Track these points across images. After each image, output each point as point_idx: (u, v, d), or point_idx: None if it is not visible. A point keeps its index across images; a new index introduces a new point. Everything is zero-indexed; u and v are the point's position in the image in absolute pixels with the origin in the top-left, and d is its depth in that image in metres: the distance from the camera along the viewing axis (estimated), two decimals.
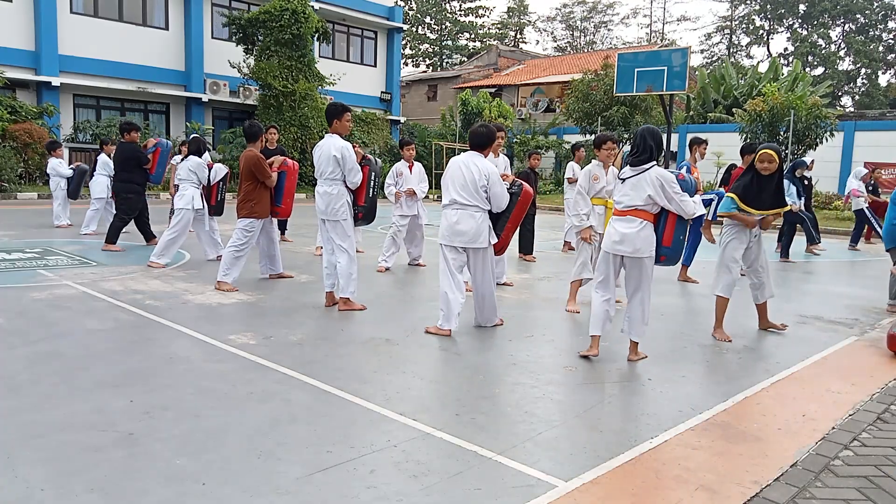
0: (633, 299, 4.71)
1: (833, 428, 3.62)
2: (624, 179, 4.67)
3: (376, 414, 3.56)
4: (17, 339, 4.72)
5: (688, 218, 4.60)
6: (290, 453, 3.05)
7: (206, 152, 8.37)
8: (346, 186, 5.89)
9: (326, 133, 5.99)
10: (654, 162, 4.60)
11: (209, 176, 8.10)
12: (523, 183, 5.47)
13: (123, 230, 9.18)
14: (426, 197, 8.79)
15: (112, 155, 9.83)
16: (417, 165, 8.50)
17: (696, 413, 3.75)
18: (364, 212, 6.01)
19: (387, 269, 8.10)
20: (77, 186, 11.33)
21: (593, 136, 24.47)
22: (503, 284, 7.37)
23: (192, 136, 8.78)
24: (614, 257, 4.71)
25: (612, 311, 4.76)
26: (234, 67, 22.36)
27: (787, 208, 5.54)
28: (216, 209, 8.30)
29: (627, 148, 21.68)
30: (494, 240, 5.32)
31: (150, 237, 9.56)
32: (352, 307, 5.97)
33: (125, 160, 8.96)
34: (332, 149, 5.77)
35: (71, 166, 11.50)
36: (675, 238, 4.62)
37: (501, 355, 4.82)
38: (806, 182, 11.15)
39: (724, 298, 5.48)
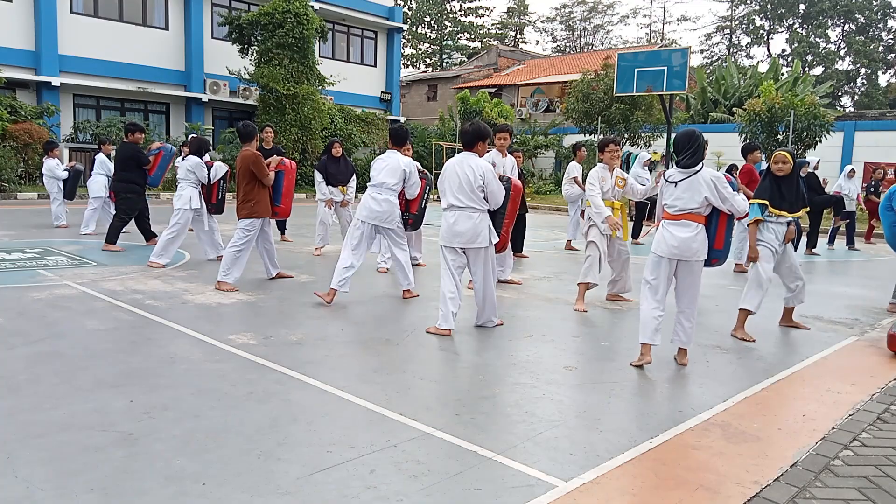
0: (690, 307, 4.65)
1: (833, 428, 3.62)
2: (676, 183, 4.58)
3: (376, 414, 3.56)
4: (17, 339, 4.72)
5: (739, 217, 4.65)
6: (290, 453, 3.05)
7: (207, 153, 8.37)
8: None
9: (388, 149, 6.48)
10: (703, 164, 4.57)
11: (209, 175, 8.10)
12: (510, 178, 5.53)
13: (123, 230, 9.18)
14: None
15: (113, 154, 9.84)
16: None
17: (696, 413, 3.76)
18: (414, 219, 6.63)
19: (387, 269, 8.11)
20: (73, 187, 11.31)
21: (593, 137, 24.52)
22: (507, 282, 7.48)
23: (192, 136, 8.76)
24: (669, 262, 4.61)
25: (662, 322, 4.59)
26: (233, 74, 22.38)
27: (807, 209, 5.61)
28: (217, 207, 8.30)
29: (628, 148, 21.55)
30: (496, 238, 5.33)
31: (150, 237, 9.56)
32: (413, 295, 6.63)
33: (126, 160, 8.96)
34: (400, 163, 6.28)
35: (65, 167, 11.48)
36: (726, 240, 4.65)
37: (501, 355, 4.81)
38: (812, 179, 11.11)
39: (749, 312, 5.54)
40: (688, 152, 4.57)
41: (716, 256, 4.67)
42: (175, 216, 7.94)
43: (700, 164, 4.57)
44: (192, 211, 8.01)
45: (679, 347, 4.73)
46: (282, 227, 10.66)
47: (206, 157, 8.32)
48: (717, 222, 4.60)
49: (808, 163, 10.94)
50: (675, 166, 4.71)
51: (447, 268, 5.34)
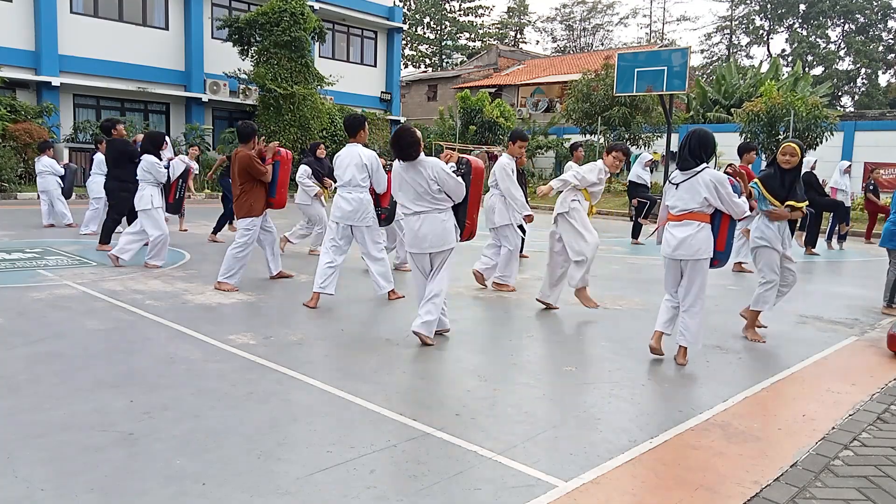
0: (693, 307, 4.65)
1: (833, 428, 3.62)
2: (677, 184, 4.64)
3: (376, 414, 3.56)
4: (17, 339, 4.72)
5: (738, 218, 4.65)
6: (290, 453, 3.05)
7: (165, 149, 8.13)
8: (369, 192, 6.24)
9: (348, 143, 6.30)
10: (706, 164, 4.59)
11: (169, 173, 7.91)
12: (469, 159, 5.08)
13: (118, 230, 9.18)
14: None
15: (105, 154, 9.78)
16: None
17: (696, 413, 3.76)
18: (387, 213, 6.45)
19: (406, 269, 8.07)
20: (70, 185, 11.32)
21: (594, 137, 24.51)
22: (502, 286, 7.39)
23: (146, 132, 8.48)
24: (673, 262, 4.69)
25: (674, 314, 4.77)
26: (231, 77, 22.40)
27: (804, 203, 5.55)
28: (174, 207, 8.14)
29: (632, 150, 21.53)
30: (458, 238, 5.05)
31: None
32: (398, 296, 6.49)
33: (118, 157, 8.77)
34: (361, 157, 6.11)
35: (62, 164, 11.46)
36: (728, 241, 4.67)
37: (501, 355, 4.82)
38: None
39: (759, 311, 5.57)
40: (686, 155, 4.59)
41: (717, 258, 4.69)
42: (143, 218, 7.71)
43: (702, 166, 4.57)
44: (155, 209, 7.72)
45: (679, 346, 4.73)
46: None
47: (167, 154, 8.06)
48: (719, 223, 4.62)
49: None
50: (675, 167, 4.72)
51: (420, 274, 5.11)
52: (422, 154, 4.88)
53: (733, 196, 4.55)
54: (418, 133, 4.92)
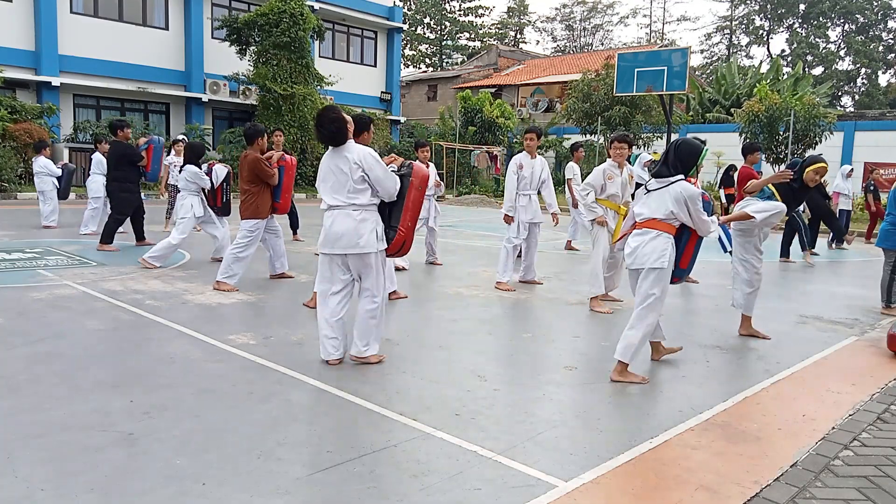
0: (633, 319, 4.32)
1: (833, 428, 3.62)
2: (649, 191, 4.44)
3: (376, 414, 3.56)
4: (17, 339, 4.72)
5: (704, 236, 4.46)
6: (290, 453, 3.05)
7: (202, 157, 8.29)
8: None
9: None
10: (682, 176, 4.35)
11: (211, 179, 8.07)
12: (413, 163, 4.51)
13: (119, 230, 9.17)
14: (440, 197, 8.86)
15: (106, 154, 9.80)
16: (431, 167, 8.50)
17: (696, 413, 3.76)
18: None
19: (403, 268, 8.07)
20: (67, 186, 11.29)
21: (594, 137, 24.50)
22: (532, 282, 7.57)
23: (180, 139, 8.65)
24: (632, 272, 4.49)
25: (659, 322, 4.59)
26: (230, 79, 22.41)
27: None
28: (223, 210, 8.26)
29: (635, 150, 21.52)
30: (384, 245, 4.37)
31: (141, 237, 9.50)
32: (399, 296, 6.43)
33: (119, 158, 8.90)
34: None
35: (58, 165, 11.44)
36: (692, 261, 4.51)
37: (501, 355, 4.82)
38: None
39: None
40: (661, 162, 4.45)
41: (678, 275, 4.49)
42: (178, 224, 7.96)
43: (677, 177, 4.34)
44: (195, 219, 8.00)
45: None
46: (294, 226, 10.67)
47: (207, 163, 8.27)
48: (686, 242, 4.42)
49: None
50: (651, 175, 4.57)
51: (328, 283, 4.41)
52: (351, 140, 4.35)
53: (702, 213, 4.31)
54: (344, 114, 4.35)
